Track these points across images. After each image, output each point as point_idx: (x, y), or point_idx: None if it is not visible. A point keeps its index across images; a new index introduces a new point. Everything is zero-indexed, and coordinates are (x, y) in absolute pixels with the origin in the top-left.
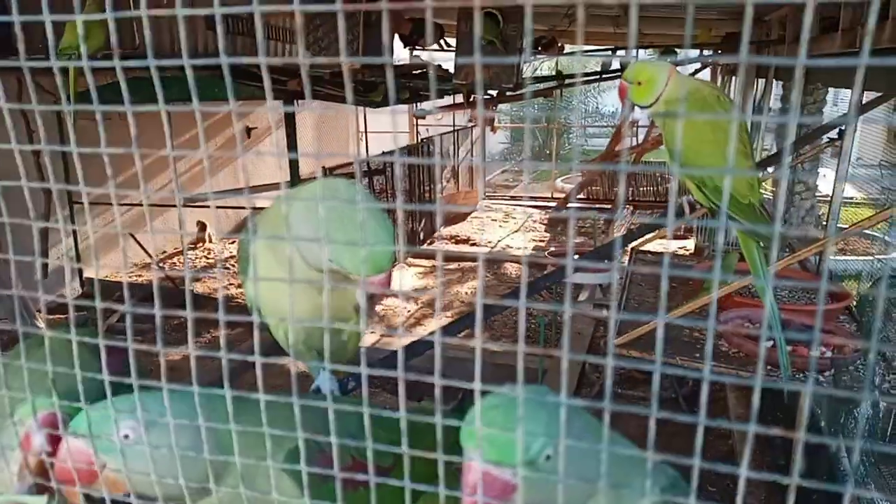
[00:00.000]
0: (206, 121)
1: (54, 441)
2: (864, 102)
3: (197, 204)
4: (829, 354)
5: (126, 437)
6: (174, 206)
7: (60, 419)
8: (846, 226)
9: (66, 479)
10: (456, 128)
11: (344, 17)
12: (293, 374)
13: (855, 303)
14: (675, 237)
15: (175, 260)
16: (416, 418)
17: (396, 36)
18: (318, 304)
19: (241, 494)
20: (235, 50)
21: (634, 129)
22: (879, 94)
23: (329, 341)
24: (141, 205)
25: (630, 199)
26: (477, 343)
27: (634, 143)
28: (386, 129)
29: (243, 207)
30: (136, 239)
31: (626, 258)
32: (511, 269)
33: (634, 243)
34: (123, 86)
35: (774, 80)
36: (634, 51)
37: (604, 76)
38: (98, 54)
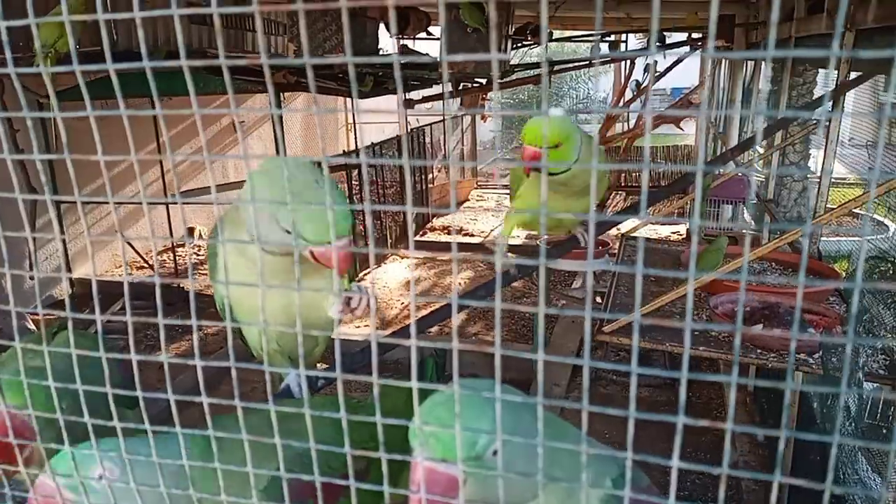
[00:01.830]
0: (193, 116)
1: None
2: (844, 82)
3: (187, 201)
4: (817, 336)
5: (100, 477)
6: (162, 203)
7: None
8: (834, 207)
9: None
10: (445, 116)
11: (326, 9)
12: (267, 380)
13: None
14: (669, 222)
15: (165, 257)
16: (390, 422)
17: (382, 25)
18: (290, 302)
19: None
20: (212, 43)
21: (625, 114)
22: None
23: (301, 340)
24: (129, 203)
25: (622, 184)
26: (455, 341)
27: (626, 128)
28: (376, 119)
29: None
30: (128, 240)
31: (616, 245)
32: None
33: (625, 229)
34: (116, 83)
35: (764, 62)
36: (624, 36)
37: (594, 62)
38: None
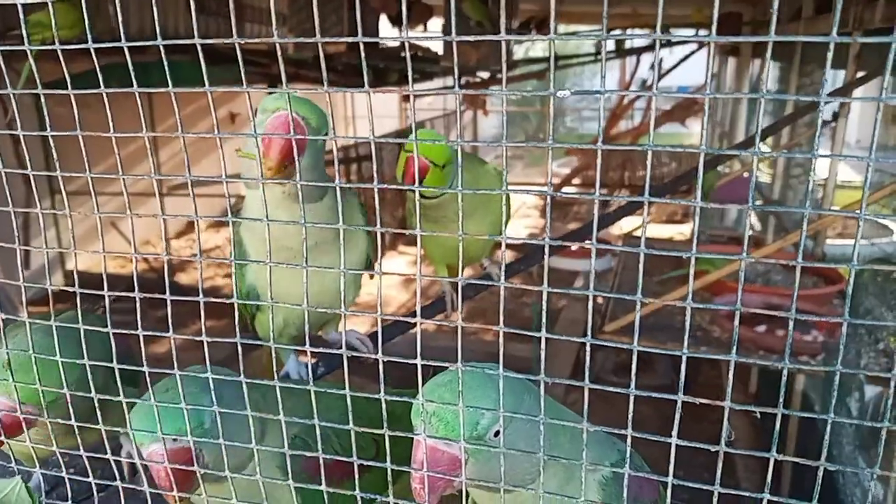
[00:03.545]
0: (190, 106)
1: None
2: (851, 80)
3: (181, 193)
4: (820, 338)
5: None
6: (158, 194)
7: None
8: (837, 208)
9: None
10: (446, 111)
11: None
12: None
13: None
14: (672, 222)
15: (159, 250)
16: (393, 398)
17: (383, 16)
18: (323, 283)
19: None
20: (209, 32)
21: (630, 111)
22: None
23: (317, 319)
24: (125, 194)
25: (626, 183)
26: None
27: (630, 125)
28: (377, 114)
29: (233, 195)
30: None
31: (620, 244)
32: (508, 255)
33: (628, 228)
34: (133, 70)
35: (771, 61)
36: (630, 31)
37: (598, 58)
38: (73, 39)
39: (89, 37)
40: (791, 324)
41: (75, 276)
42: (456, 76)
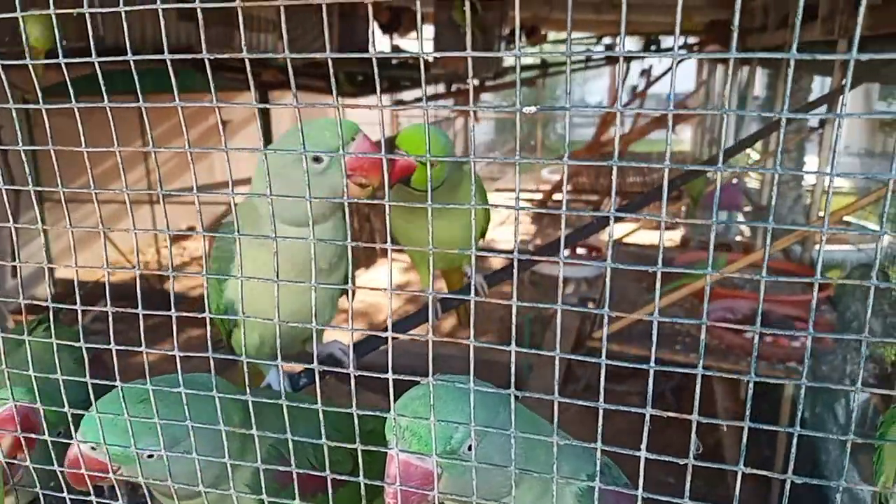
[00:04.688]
0: (177, 117)
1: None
2: (838, 87)
3: (174, 200)
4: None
5: (150, 456)
6: (148, 202)
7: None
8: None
9: (76, 479)
10: (437, 118)
11: (319, 7)
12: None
13: (834, 292)
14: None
15: (149, 258)
16: (366, 413)
17: (375, 24)
18: (304, 302)
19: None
20: (199, 40)
21: (621, 118)
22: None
23: (297, 335)
24: (114, 202)
25: (618, 190)
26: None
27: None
28: (369, 121)
29: (219, 203)
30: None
31: (608, 251)
32: (497, 262)
33: (617, 235)
34: (137, 76)
35: (759, 68)
36: (619, 38)
37: (589, 65)
38: (52, 48)
39: (92, 49)
40: (756, 338)
41: (49, 290)
42: (426, 91)
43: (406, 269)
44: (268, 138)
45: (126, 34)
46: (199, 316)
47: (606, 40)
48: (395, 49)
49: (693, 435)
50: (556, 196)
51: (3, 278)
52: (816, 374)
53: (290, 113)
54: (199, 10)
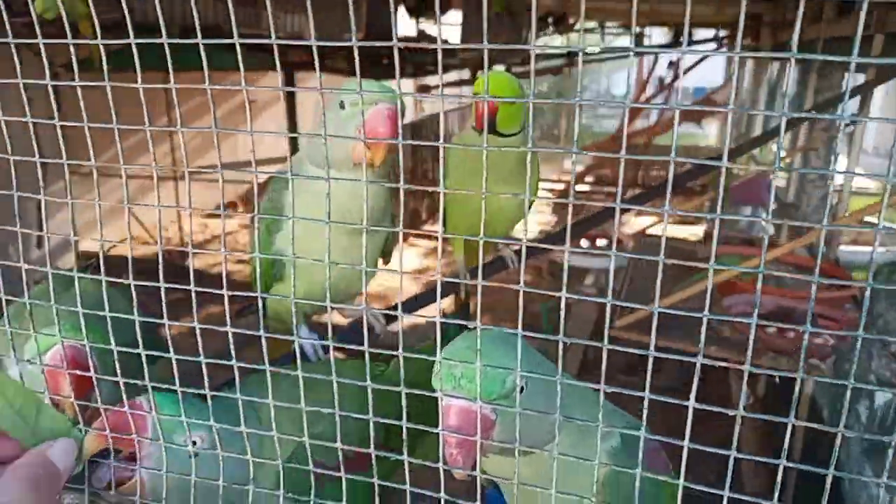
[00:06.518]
0: (204, 95)
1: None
2: (866, 82)
3: (201, 177)
4: (831, 341)
5: (194, 443)
6: (173, 178)
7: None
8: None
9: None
10: (461, 104)
11: None
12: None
13: (860, 291)
14: (685, 222)
15: (171, 233)
16: (418, 356)
17: (402, 6)
18: (350, 258)
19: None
20: (228, 19)
21: (646, 111)
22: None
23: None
24: (139, 178)
25: (640, 182)
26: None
27: (646, 125)
28: None
29: (243, 182)
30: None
31: (632, 242)
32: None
33: (640, 227)
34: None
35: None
36: (648, 29)
37: (609, 56)
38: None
39: (129, 29)
40: (805, 337)
41: (74, 262)
42: (443, 80)
43: (427, 253)
44: (292, 119)
45: (158, 10)
46: (249, 294)
47: (593, 48)
48: (420, 34)
49: (744, 386)
50: (579, 187)
51: (29, 249)
52: (838, 373)
53: (314, 94)
54: None
